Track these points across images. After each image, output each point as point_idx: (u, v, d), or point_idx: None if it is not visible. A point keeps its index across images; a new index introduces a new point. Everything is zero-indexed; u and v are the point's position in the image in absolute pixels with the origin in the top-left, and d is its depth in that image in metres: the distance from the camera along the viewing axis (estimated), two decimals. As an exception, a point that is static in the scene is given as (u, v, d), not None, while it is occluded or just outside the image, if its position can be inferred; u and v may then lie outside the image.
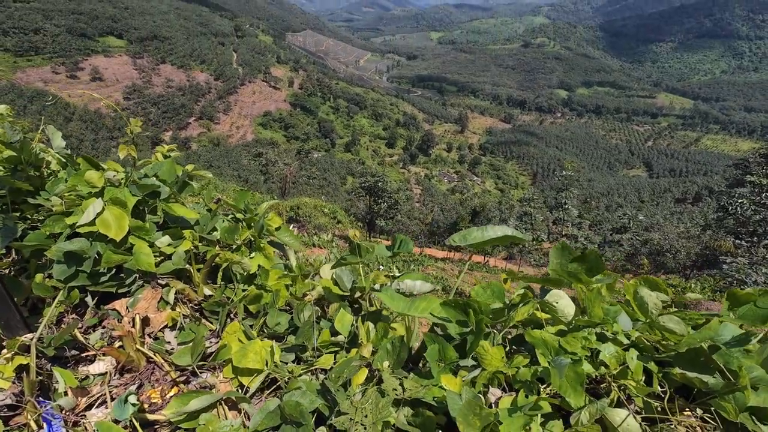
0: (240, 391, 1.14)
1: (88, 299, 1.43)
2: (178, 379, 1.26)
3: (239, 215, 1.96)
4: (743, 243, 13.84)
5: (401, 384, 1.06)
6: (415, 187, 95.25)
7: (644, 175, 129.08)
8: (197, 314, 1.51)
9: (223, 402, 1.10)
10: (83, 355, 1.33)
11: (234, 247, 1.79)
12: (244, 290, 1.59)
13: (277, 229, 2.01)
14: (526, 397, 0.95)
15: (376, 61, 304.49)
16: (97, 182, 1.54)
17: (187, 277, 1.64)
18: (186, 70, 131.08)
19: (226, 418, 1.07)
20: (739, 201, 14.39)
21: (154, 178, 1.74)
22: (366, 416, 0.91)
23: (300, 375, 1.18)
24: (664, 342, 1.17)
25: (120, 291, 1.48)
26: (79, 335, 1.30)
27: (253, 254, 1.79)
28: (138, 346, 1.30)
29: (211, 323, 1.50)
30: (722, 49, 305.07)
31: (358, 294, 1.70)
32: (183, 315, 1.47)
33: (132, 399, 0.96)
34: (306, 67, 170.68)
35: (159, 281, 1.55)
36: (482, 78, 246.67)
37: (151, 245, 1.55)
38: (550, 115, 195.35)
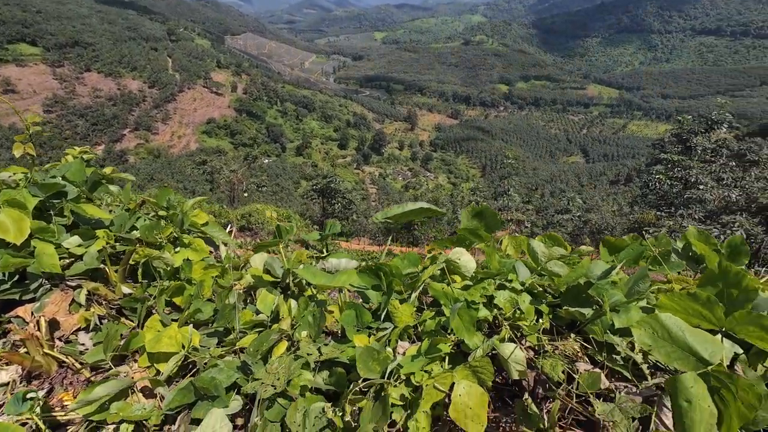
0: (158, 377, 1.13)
1: (-14, 309, 1.33)
2: (92, 378, 1.22)
3: (162, 212, 1.90)
4: (663, 214, 15.52)
5: (319, 349, 1.11)
6: (370, 186, 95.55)
7: (582, 161, 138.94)
8: (115, 313, 1.45)
9: (138, 390, 1.08)
10: (-17, 367, 1.24)
11: (157, 244, 1.74)
12: (167, 285, 1.55)
13: (205, 224, 1.98)
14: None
15: (321, 62, 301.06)
16: (-11, 185, 1.44)
17: (104, 277, 1.58)
18: (115, 77, 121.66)
19: (142, 406, 1.05)
20: (657, 177, 16.14)
21: (60, 179, 1.64)
22: (278, 379, 0.95)
23: (222, 356, 1.19)
24: (556, 287, 1.32)
25: (25, 297, 1.39)
26: (-25, 346, 1.21)
27: (178, 249, 1.75)
28: (47, 350, 1.24)
29: (132, 321, 1.45)
30: (639, 43, 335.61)
31: (289, 279, 1.73)
32: (99, 315, 1.41)
33: (31, 395, 0.92)
34: (249, 71, 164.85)
35: (69, 283, 1.47)
36: (427, 76, 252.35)
37: (59, 247, 1.47)
38: (494, 109, 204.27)
